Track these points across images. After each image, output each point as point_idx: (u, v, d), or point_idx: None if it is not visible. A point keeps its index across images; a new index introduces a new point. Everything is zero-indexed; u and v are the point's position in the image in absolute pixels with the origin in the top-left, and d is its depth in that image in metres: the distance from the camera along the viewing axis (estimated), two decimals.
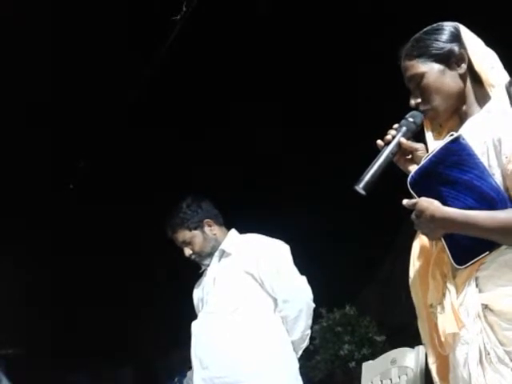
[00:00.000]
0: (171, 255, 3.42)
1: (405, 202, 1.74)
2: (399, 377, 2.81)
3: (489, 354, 1.65)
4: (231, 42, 4.79)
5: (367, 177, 1.81)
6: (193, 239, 3.17)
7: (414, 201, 1.73)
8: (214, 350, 3.02)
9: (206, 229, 3.20)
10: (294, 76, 5.09)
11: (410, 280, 1.88)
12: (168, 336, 3.53)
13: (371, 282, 6.92)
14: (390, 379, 2.87)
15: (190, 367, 3.26)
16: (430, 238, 1.78)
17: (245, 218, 3.22)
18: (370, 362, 3.15)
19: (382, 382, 2.93)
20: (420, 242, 1.86)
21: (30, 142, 5.31)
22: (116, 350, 7.17)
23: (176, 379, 4.53)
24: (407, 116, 1.89)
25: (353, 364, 5.63)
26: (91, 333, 6.98)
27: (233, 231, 3.27)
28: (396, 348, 2.95)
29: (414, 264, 1.87)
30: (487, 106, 1.78)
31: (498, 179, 1.68)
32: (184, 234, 3.17)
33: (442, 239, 1.73)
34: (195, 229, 3.17)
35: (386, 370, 2.90)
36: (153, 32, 4.51)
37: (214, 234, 3.21)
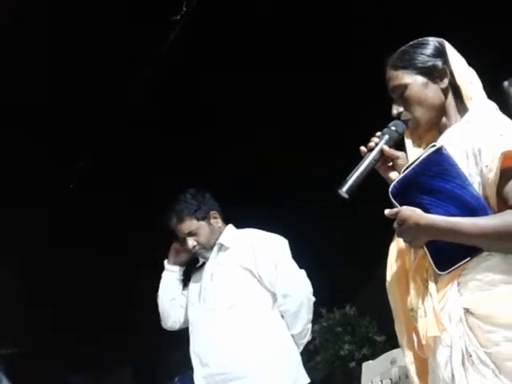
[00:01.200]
0: None
1: (387, 211, 1.77)
2: (399, 377, 2.82)
3: (471, 355, 1.68)
4: (231, 41, 4.79)
5: (350, 181, 1.87)
6: (199, 230, 3.12)
7: (396, 210, 1.75)
8: (214, 346, 3.02)
9: (213, 221, 3.17)
10: (294, 76, 5.09)
11: (387, 283, 1.92)
12: (168, 335, 3.51)
13: (371, 282, 6.91)
14: (390, 379, 2.88)
15: (191, 367, 3.25)
16: (413, 246, 1.81)
17: (245, 216, 3.21)
18: (370, 362, 3.17)
19: (382, 381, 2.94)
20: (397, 245, 1.90)
21: (30, 141, 5.31)
22: (116, 349, 7.16)
23: (176, 379, 4.52)
24: (390, 125, 1.95)
25: (353, 364, 5.62)
26: (91, 333, 6.98)
27: (230, 226, 3.24)
28: (396, 348, 2.96)
29: (392, 267, 1.91)
30: (465, 117, 1.84)
31: (477, 187, 1.72)
32: (191, 224, 3.12)
33: (424, 246, 1.76)
34: (202, 219, 3.13)
35: (386, 370, 2.92)
36: (153, 32, 4.50)
37: (219, 227, 3.18)
